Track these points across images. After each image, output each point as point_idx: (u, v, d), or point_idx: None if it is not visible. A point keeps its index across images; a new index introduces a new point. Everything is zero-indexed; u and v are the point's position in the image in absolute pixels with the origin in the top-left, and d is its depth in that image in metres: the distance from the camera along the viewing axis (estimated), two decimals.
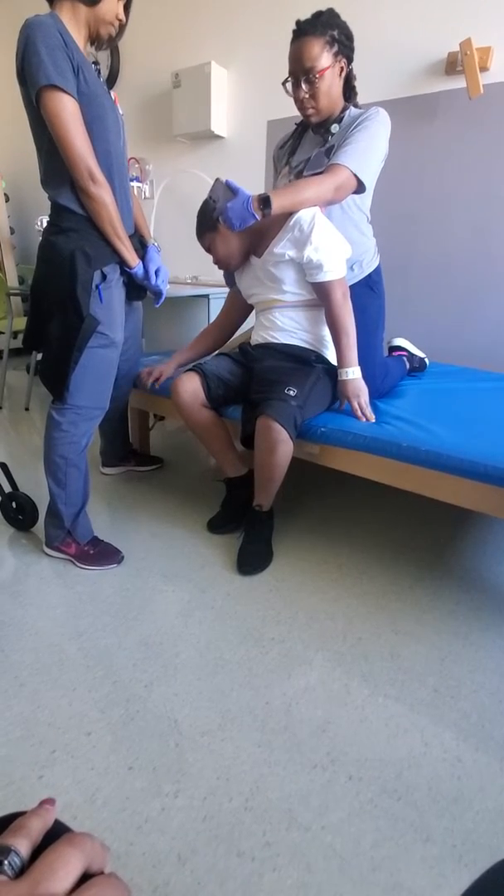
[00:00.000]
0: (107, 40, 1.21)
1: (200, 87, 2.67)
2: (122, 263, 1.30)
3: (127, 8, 1.20)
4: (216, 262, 1.48)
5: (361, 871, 0.72)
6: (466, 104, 2.05)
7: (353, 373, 1.38)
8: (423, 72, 2.15)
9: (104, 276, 1.26)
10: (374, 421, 1.37)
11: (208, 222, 1.40)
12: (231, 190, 1.27)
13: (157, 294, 1.43)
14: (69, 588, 1.31)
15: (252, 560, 1.39)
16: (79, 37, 1.14)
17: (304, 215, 1.31)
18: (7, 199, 3.88)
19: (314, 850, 0.74)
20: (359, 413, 1.38)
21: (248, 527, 1.46)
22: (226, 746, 0.90)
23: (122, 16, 1.19)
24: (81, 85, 1.12)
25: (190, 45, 2.81)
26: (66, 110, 1.09)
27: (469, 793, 0.83)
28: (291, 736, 0.92)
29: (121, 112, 1.29)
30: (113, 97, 1.26)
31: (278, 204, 1.25)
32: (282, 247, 1.35)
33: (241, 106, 2.73)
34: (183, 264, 3.11)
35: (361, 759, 0.88)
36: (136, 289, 1.41)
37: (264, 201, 1.24)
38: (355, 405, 1.38)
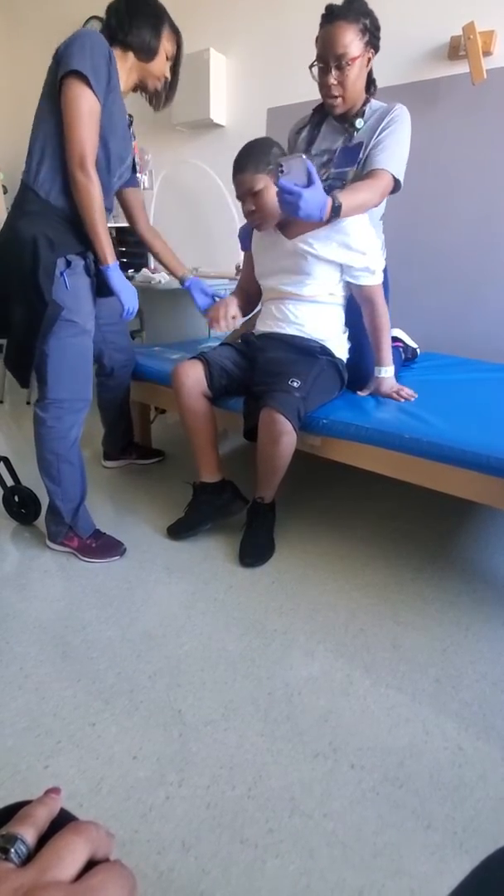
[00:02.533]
0: (152, 93, 1.30)
1: (199, 74, 2.62)
2: (96, 259, 1.26)
3: (174, 68, 1.30)
4: (253, 210, 1.34)
5: (363, 857, 0.73)
6: (469, 90, 2.01)
7: (387, 371, 1.47)
8: (425, 57, 2.11)
9: (69, 263, 1.23)
10: (416, 396, 1.46)
11: (264, 161, 1.27)
12: (310, 177, 1.15)
13: (121, 300, 1.33)
14: (72, 581, 1.32)
15: (254, 552, 1.40)
16: (124, 77, 1.22)
17: (354, 221, 1.31)
18: (5, 191, 3.85)
19: (317, 836, 0.75)
20: (403, 399, 1.46)
21: (250, 519, 1.45)
22: (229, 736, 0.91)
23: (167, 74, 1.29)
24: (108, 102, 1.16)
25: (188, 31, 2.73)
26: (86, 101, 1.12)
27: (470, 781, 0.84)
28: (294, 725, 0.93)
29: (138, 161, 1.32)
30: (133, 146, 1.32)
31: (345, 211, 1.23)
32: (326, 246, 1.34)
33: (241, 94, 2.69)
34: (183, 256, 3.07)
35: (363, 748, 0.89)
36: (105, 287, 1.32)
37: (336, 210, 1.21)
38: (395, 398, 1.46)
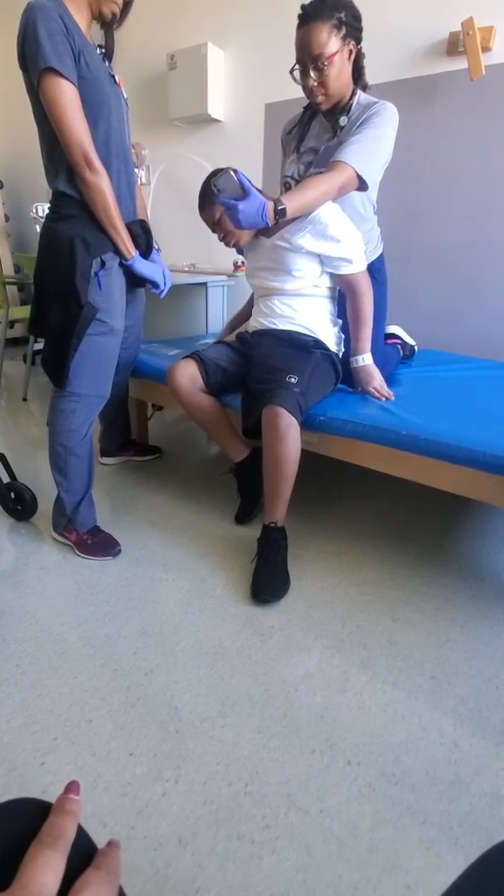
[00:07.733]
0: (111, 18, 1.20)
1: (197, 69, 2.61)
2: (118, 254, 1.27)
3: None
4: (225, 235, 1.43)
5: (359, 852, 0.73)
6: (468, 86, 2.01)
7: (363, 359, 1.44)
8: (424, 52, 2.10)
9: (103, 264, 1.24)
10: (392, 399, 1.42)
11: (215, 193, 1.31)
12: (243, 188, 1.17)
13: (154, 283, 1.40)
14: (69, 577, 1.31)
15: (271, 587, 1.25)
16: (81, 18, 1.13)
17: (327, 211, 1.31)
18: (1, 186, 3.83)
19: (313, 832, 0.75)
20: (376, 395, 1.43)
21: (262, 549, 1.32)
22: (225, 732, 0.91)
23: None
24: (83, 69, 1.11)
25: (186, 25, 2.75)
26: (64, 95, 1.08)
27: (465, 776, 0.84)
28: (290, 722, 0.93)
29: (125, 96, 1.28)
30: (117, 80, 1.25)
31: (291, 210, 1.22)
32: (300, 238, 1.34)
33: (239, 88, 2.68)
34: (180, 251, 3.07)
35: (360, 744, 0.89)
36: (136, 276, 1.38)
37: (280, 212, 1.20)
38: (370, 390, 1.44)
